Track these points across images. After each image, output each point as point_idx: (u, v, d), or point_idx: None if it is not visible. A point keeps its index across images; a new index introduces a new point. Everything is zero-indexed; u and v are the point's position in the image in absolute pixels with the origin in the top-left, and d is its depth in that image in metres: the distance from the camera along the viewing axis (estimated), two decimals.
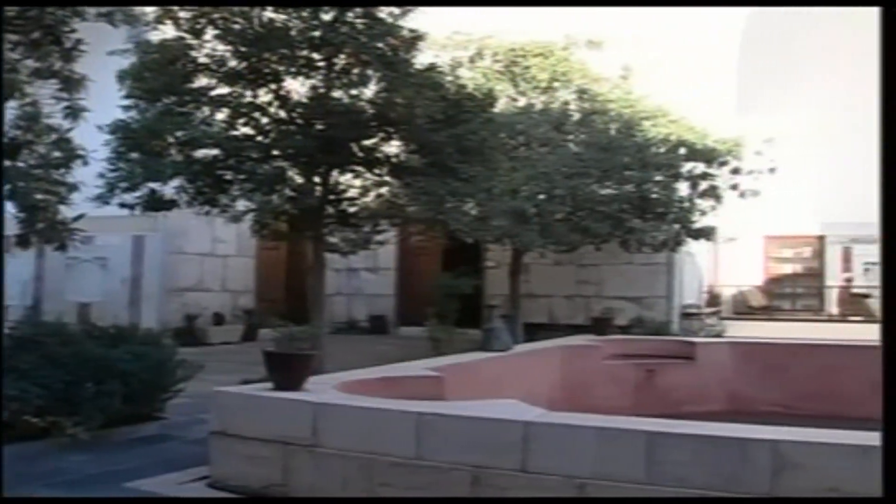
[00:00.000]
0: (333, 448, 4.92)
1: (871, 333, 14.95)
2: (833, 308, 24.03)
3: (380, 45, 9.19)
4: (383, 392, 5.80)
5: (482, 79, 13.89)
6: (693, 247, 16.50)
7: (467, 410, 4.82)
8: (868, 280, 24.42)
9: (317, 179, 10.08)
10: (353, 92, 9.64)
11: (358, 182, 10.95)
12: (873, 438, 3.99)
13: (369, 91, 9.71)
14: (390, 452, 4.71)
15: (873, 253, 24.75)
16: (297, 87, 9.85)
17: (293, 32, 9.17)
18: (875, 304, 23.40)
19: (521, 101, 14.61)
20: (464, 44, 14.67)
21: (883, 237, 3.68)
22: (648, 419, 4.61)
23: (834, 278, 24.97)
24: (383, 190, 11.27)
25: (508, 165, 12.24)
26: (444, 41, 14.38)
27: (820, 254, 25.53)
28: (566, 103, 14.68)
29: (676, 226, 14.15)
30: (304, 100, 9.71)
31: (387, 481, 4.67)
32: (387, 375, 6.68)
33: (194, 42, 9.42)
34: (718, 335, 15.32)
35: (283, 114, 9.76)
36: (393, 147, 10.45)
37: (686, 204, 14.19)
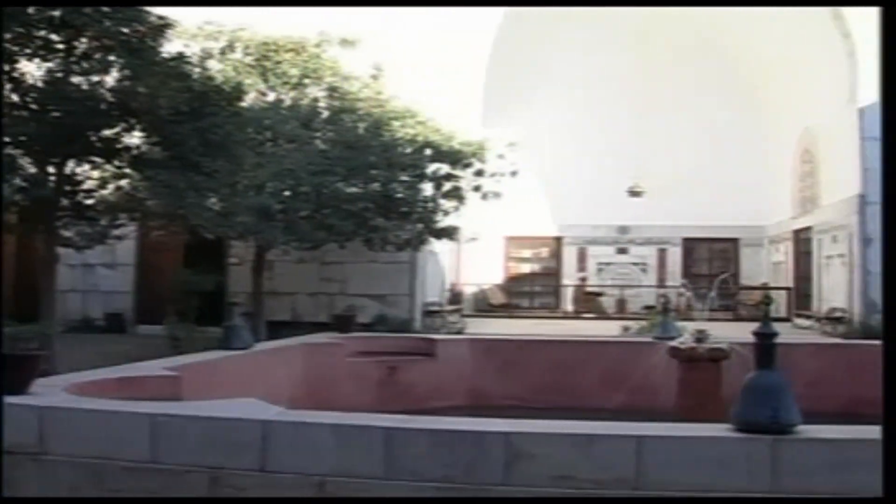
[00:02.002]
0: (61, 455, 4.62)
1: (603, 329, 15.86)
2: (568, 306, 25.22)
3: (125, 30, 8.82)
4: (118, 393, 5.55)
5: (232, 72, 13.61)
6: (436, 246, 16.86)
7: (204, 410, 4.69)
8: (601, 279, 25.86)
9: (51, 169, 9.56)
10: (94, 78, 9.23)
11: (96, 174, 10.48)
12: (598, 427, 4.21)
13: (111, 78, 9.31)
14: (123, 457, 4.50)
15: (607, 253, 26.25)
16: (33, 70, 9.30)
17: (30, 10, 8.63)
18: (607, 301, 24.83)
19: (271, 97, 14.44)
20: (215, 35, 14.29)
21: (883, 237, 3.88)
22: (386, 415, 4.65)
23: (570, 278, 26.23)
24: (123, 182, 10.85)
25: (254, 161, 12.07)
26: (194, 31, 13.98)
27: (557, 254, 26.77)
28: (316, 100, 14.63)
29: (420, 225, 14.42)
30: (40, 84, 9.18)
31: (119, 487, 4.46)
32: (122, 376, 6.39)
33: None
34: (459, 332, 15.72)
35: (15, 98, 9.17)
36: (135, 138, 10.07)
37: (430, 204, 14.47)
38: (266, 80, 14.36)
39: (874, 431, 4.17)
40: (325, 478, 4.16)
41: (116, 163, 10.13)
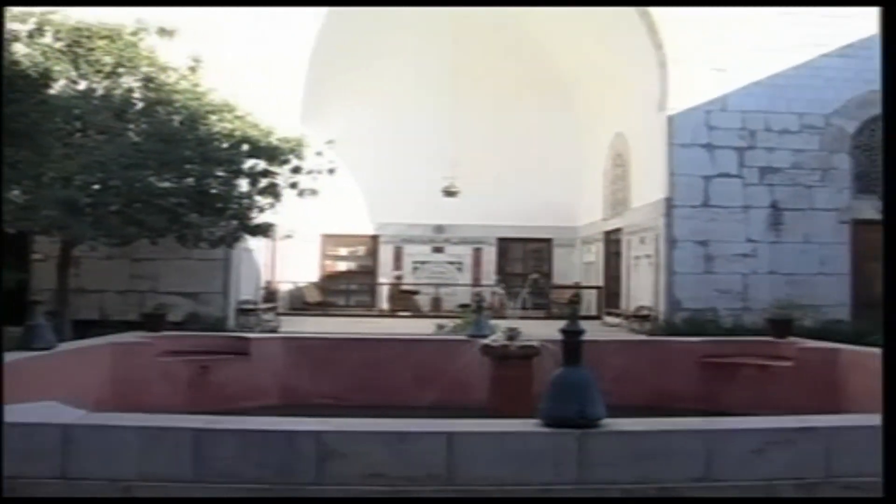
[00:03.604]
0: None
1: (418, 327, 16.00)
2: (384, 304, 25.34)
3: None
4: None
5: (40, 57, 12.92)
6: (251, 243, 16.62)
7: None
8: (417, 278, 26.10)
9: None
10: None
11: None
12: (410, 424, 4.24)
13: None
14: None
15: (423, 252, 26.52)
16: None
17: None
18: (422, 300, 25.08)
19: (82, 85, 13.81)
20: (22, 17, 13.54)
21: (884, 237, 3.90)
22: (194, 416, 4.55)
23: (386, 276, 26.37)
24: None
25: (62, 152, 11.55)
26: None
27: (373, 252, 26.86)
28: (130, 90, 14.09)
29: (235, 222, 14.15)
30: None
31: None
32: None
33: None
34: (274, 330, 15.56)
35: None
36: None
37: (246, 200, 14.22)
38: (77, 68, 13.71)
39: (676, 423, 4.38)
40: (131, 483, 4.03)
41: None
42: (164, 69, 14.25)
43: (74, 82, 13.70)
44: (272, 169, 14.50)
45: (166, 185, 13.02)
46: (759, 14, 18.01)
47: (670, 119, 17.84)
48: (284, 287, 23.28)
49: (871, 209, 16.88)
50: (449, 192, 24.59)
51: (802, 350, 9.57)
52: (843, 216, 18.18)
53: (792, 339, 10.02)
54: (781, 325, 10.38)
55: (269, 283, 20.69)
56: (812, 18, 18.09)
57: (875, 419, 4.67)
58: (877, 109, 17.81)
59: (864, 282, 18.35)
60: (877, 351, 9.21)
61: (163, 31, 14.10)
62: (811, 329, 13.77)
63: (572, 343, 4.28)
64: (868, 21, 17.98)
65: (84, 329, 12.83)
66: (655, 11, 17.93)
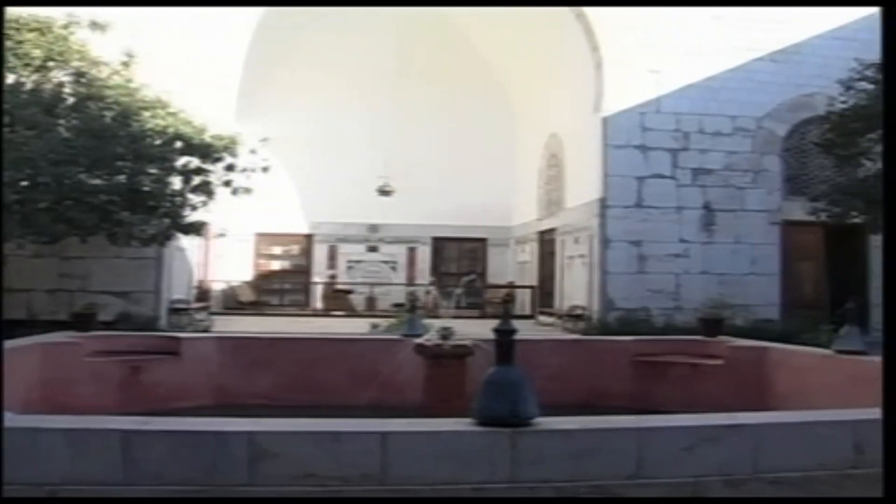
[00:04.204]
0: None
1: (352, 327, 15.95)
2: (318, 303, 25.23)
3: None
4: None
5: None
6: (184, 241, 16.41)
7: None
8: (351, 277, 26.03)
9: None
10: None
11: None
12: (343, 424, 4.22)
13: None
14: None
15: (357, 251, 26.46)
16: None
17: None
18: (357, 299, 25.01)
19: (10, 79, 13.52)
20: None
21: (884, 237, 3.87)
22: (124, 417, 4.48)
23: (320, 275, 26.27)
24: None
25: None
26: None
27: (307, 252, 26.73)
28: (61, 85, 13.81)
29: (167, 220, 13.95)
30: None
31: None
32: None
33: None
34: (206, 330, 15.39)
35: None
36: None
37: (178, 198, 14.04)
38: (5, 62, 13.43)
39: (608, 421, 4.42)
40: (58, 486, 3.95)
41: None
42: (95, 64, 13.98)
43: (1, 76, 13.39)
44: (205, 167, 14.34)
45: (97, 182, 12.78)
46: (694, 18, 18.28)
47: (605, 120, 18.01)
48: (217, 286, 23.06)
49: (800, 210, 17.23)
50: (384, 192, 24.58)
51: (733, 349, 9.71)
52: (773, 217, 18.51)
53: (722, 337, 10.17)
54: (712, 325, 10.53)
55: (201, 282, 20.46)
56: (745, 23, 18.42)
57: (799, 416, 4.76)
58: (807, 113, 18.20)
59: (794, 282, 18.73)
60: (804, 349, 9.43)
61: (95, 25, 13.84)
62: (742, 328, 13.99)
63: (505, 342, 4.29)
64: (800, 27, 18.37)
65: (11, 329, 12.48)
66: (592, 14, 18.10)
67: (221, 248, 21.87)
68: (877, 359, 7.78)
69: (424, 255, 27.08)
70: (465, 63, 24.69)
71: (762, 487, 4.02)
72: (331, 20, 22.63)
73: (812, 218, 15.88)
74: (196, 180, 14.32)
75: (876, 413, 4.63)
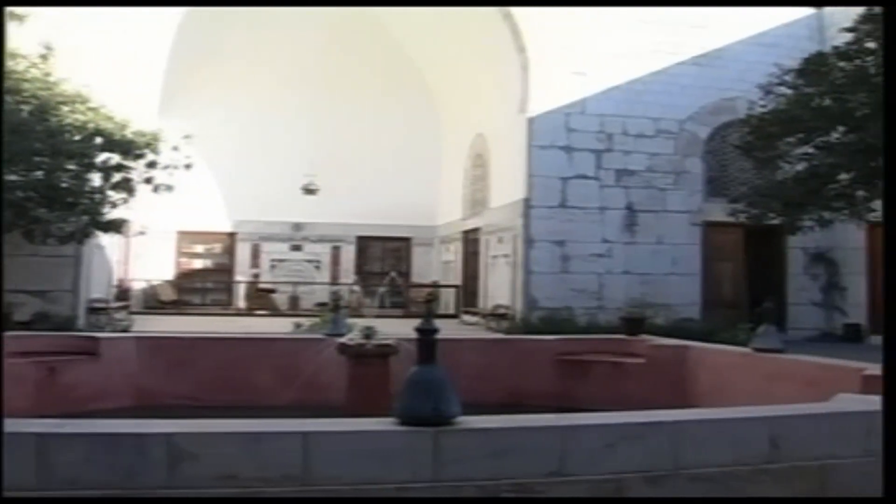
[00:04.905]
0: None
1: (275, 326, 15.81)
2: (241, 302, 25.00)
3: None
4: None
5: None
6: (103, 239, 16.13)
7: None
8: (275, 276, 25.84)
9: None
10: None
11: None
12: (264, 425, 4.16)
13: None
14: None
15: (281, 250, 26.27)
16: None
17: None
18: (280, 298, 24.83)
19: None
20: None
21: (884, 237, 3.82)
22: (38, 420, 4.36)
23: (243, 274, 26.03)
24: None
25: None
26: None
27: (230, 250, 26.46)
28: None
29: (86, 217, 13.68)
30: None
31: None
32: None
33: None
34: (126, 330, 15.13)
35: None
36: None
37: (98, 195, 13.79)
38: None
39: (530, 419, 4.43)
40: None
41: None
42: (12, 56, 13.63)
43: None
44: (126, 163, 14.12)
45: (13, 178, 12.49)
46: (620, 21, 18.51)
47: (530, 121, 18.14)
48: (138, 285, 22.73)
49: (720, 212, 17.55)
50: (309, 190, 24.45)
51: (654, 347, 9.83)
52: (694, 218, 18.82)
53: (644, 336, 10.29)
54: (634, 323, 10.65)
55: (121, 280, 20.13)
56: (670, 27, 18.71)
57: (717, 413, 4.84)
58: (728, 116, 18.55)
59: (714, 281, 19.08)
60: (723, 347, 9.60)
61: (12, 16, 13.51)
62: (663, 327, 14.20)
63: (427, 341, 4.28)
64: (723, 32, 18.71)
65: None
66: (519, 15, 18.22)
67: (142, 247, 21.53)
68: (793, 356, 8.01)
69: (349, 254, 27.00)
70: (393, 63, 24.68)
71: (682, 483, 4.06)
72: (258, 18, 22.43)
73: (732, 219, 16.18)
74: (116, 177, 14.10)
75: (791, 409, 4.74)
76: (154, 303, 23.15)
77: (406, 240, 27.37)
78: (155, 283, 23.87)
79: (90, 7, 14.88)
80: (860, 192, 12.78)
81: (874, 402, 4.78)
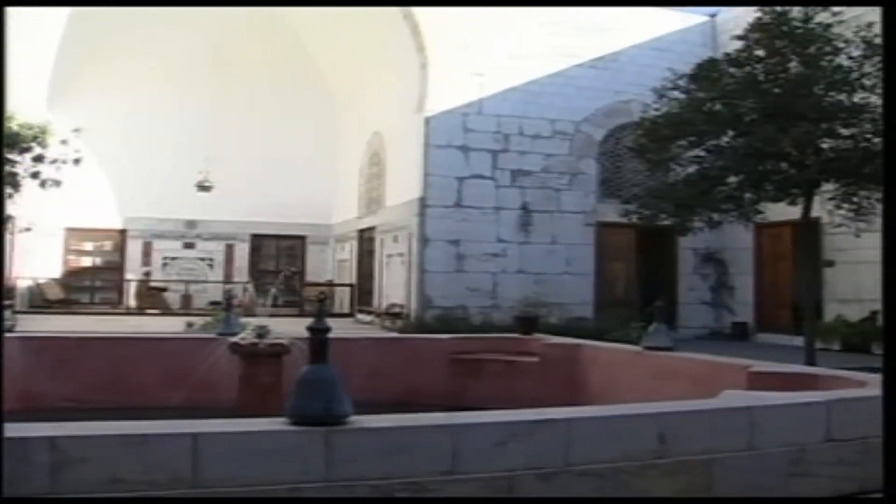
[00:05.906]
0: None
1: (167, 325, 15.53)
2: (132, 301, 24.49)
3: None
4: None
5: None
6: None
7: None
8: (167, 274, 25.36)
9: None
10: None
11: None
12: (152, 426, 4.08)
13: None
14: None
15: (173, 248, 25.80)
16: None
17: None
18: (172, 297, 24.39)
19: None
20: None
21: (884, 237, 3.73)
22: None
23: (134, 272, 25.48)
24: None
25: None
26: None
27: (121, 247, 25.88)
28: None
29: None
30: None
31: None
32: None
33: None
34: (10, 330, 14.65)
35: None
36: None
37: None
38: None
39: (422, 418, 4.44)
40: None
41: None
42: None
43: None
44: (11, 157, 13.69)
45: None
46: (519, 23, 18.68)
47: (427, 120, 18.19)
48: (23, 283, 22.06)
49: (614, 212, 17.84)
50: (202, 187, 24.05)
51: (547, 346, 9.94)
52: (588, 219, 19.12)
53: (538, 335, 10.40)
54: (528, 322, 10.75)
55: (6, 279, 19.49)
56: (568, 30, 18.96)
57: (607, 410, 4.92)
58: (622, 119, 18.89)
59: (607, 281, 19.42)
60: (615, 346, 9.79)
61: None
62: (556, 326, 14.39)
63: (319, 340, 4.25)
64: (620, 36, 19.04)
65: None
66: (420, 14, 18.24)
67: (28, 244, 20.88)
68: (682, 354, 8.20)
69: (242, 252, 26.69)
70: (293, 60, 24.49)
71: (572, 479, 4.12)
72: (150, 12, 21.98)
73: (625, 220, 16.42)
74: None
75: (679, 405, 4.85)
76: (40, 302, 22.52)
77: (301, 238, 27.19)
78: (41, 281, 23.22)
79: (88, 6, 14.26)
80: (748, 195, 13.12)
81: (759, 397, 4.94)
